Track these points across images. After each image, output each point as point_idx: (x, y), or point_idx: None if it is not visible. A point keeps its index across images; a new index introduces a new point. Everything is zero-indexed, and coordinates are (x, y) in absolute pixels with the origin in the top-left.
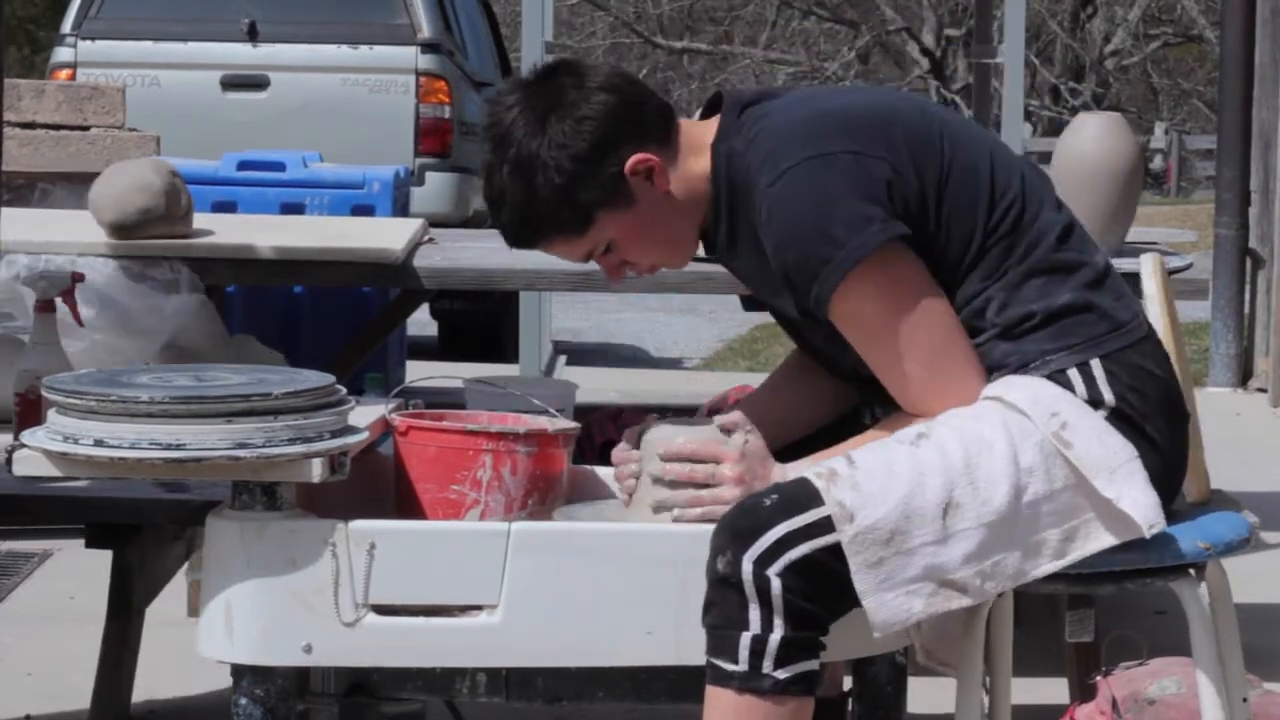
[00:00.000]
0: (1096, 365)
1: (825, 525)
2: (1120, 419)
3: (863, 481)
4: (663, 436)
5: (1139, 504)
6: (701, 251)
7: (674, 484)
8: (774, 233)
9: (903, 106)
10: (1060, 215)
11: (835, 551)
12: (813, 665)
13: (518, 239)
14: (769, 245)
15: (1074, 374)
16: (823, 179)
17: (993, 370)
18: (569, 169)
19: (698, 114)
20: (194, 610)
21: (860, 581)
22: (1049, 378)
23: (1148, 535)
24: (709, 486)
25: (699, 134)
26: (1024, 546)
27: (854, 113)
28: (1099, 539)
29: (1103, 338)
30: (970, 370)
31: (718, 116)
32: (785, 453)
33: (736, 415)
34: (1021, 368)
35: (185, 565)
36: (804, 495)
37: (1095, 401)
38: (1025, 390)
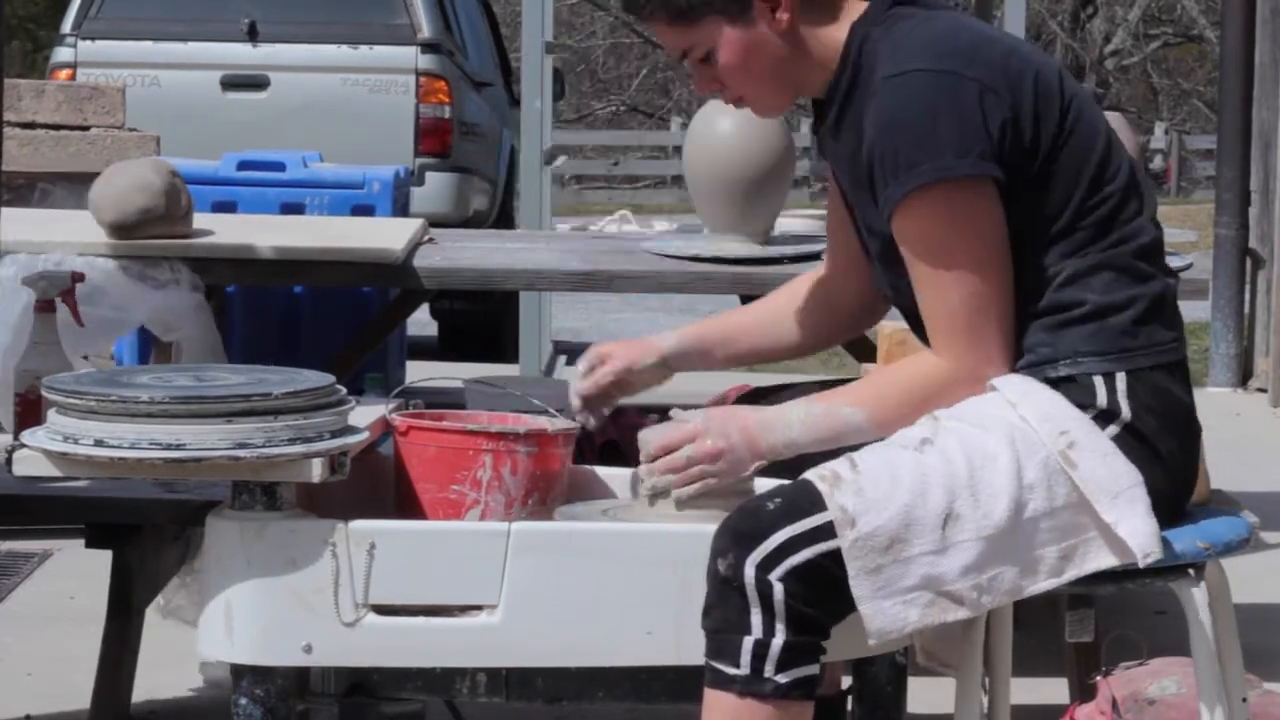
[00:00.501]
0: (1122, 378)
1: (828, 530)
2: (1133, 434)
3: (866, 487)
4: (642, 441)
5: (1137, 532)
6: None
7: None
8: (879, 120)
9: (1042, 60)
10: (1155, 230)
11: (837, 557)
12: (813, 669)
13: (629, 3)
14: (869, 129)
15: (1098, 380)
16: (943, 93)
17: (1020, 356)
18: None
19: (714, 115)
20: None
21: (858, 588)
22: (1073, 380)
23: (1142, 565)
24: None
25: (849, 6)
26: (1022, 562)
27: (994, 47)
28: (1097, 559)
29: (1136, 353)
30: (1007, 332)
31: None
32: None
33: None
34: (1049, 362)
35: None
36: (807, 499)
37: (1112, 412)
38: (1039, 405)
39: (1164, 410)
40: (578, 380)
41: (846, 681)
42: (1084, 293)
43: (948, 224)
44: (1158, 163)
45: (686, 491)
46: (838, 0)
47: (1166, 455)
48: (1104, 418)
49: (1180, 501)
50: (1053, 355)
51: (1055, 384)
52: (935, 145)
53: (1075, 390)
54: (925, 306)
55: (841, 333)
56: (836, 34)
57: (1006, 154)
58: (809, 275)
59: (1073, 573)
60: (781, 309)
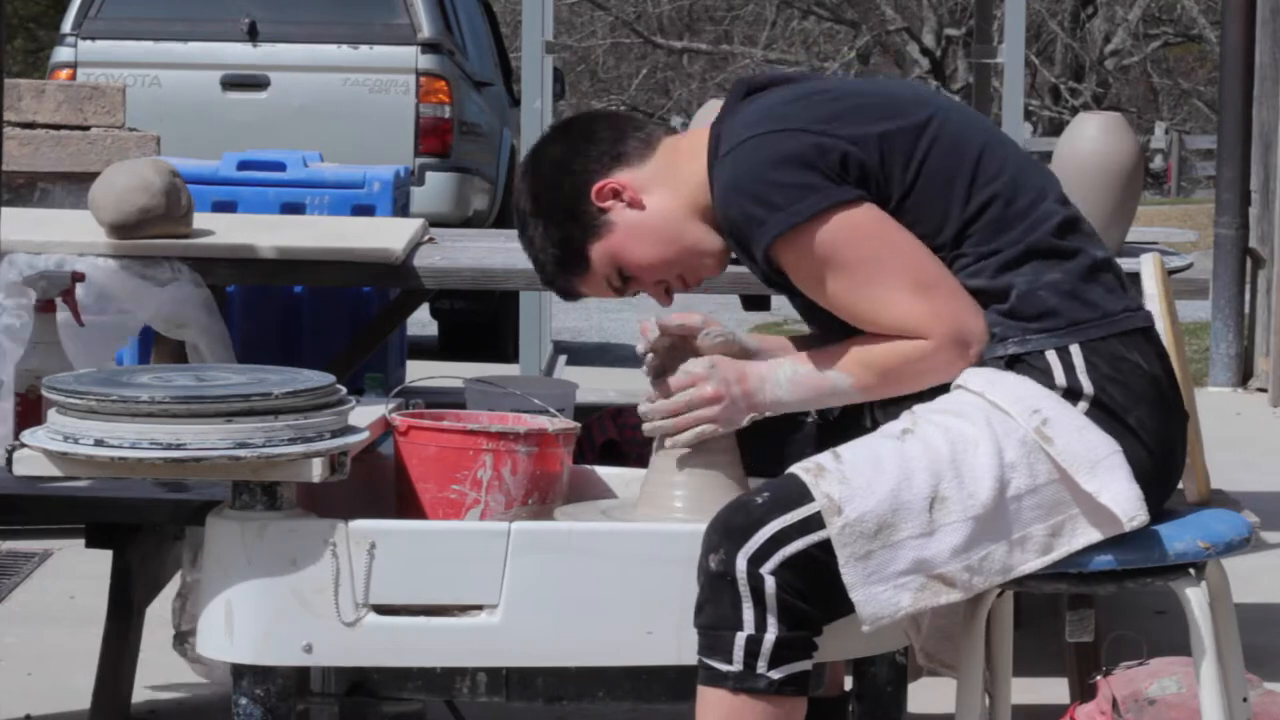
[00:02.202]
0: (1076, 352)
1: (817, 521)
2: (1101, 409)
3: (850, 474)
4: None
5: (1120, 496)
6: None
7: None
8: (719, 195)
9: (896, 92)
10: (1063, 209)
11: (828, 547)
12: (806, 666)
13: (558, 292)
14: (718, 206)
15: (1052, 357)
16: (776, 149)
17: None
18: (547, 218)
19: (713, 113)
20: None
21: (849, 575)
22: (1025, 359)
23: (1127, 527)
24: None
25: (694, 140)
26: (1010, 540)
27: (831, 95)
28: (1086, 534)
29: (1085, 324)
30: (953, 285)
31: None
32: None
33: (694, 318)
34: (1000, 341)
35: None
36: (794, 491)
37: (1074, 390)
38: (1007, 389)
39: (1125, 380)
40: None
41: (848, 683)
42: (1013, 279)
43: (830, 251)
44: (1158, 162)
45: (684, 437)
46: (688, 139)
47: (1137, 425)
48: (1069, 396)
49: (1167, 473)
50: (1001, 335)
51: (1010, 362)
52: (775, 196)
53: (1032, 373)
54: (871, 322)
55: None
56: (700, 159)
57: (855, 180)
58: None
59: (1063, 549)
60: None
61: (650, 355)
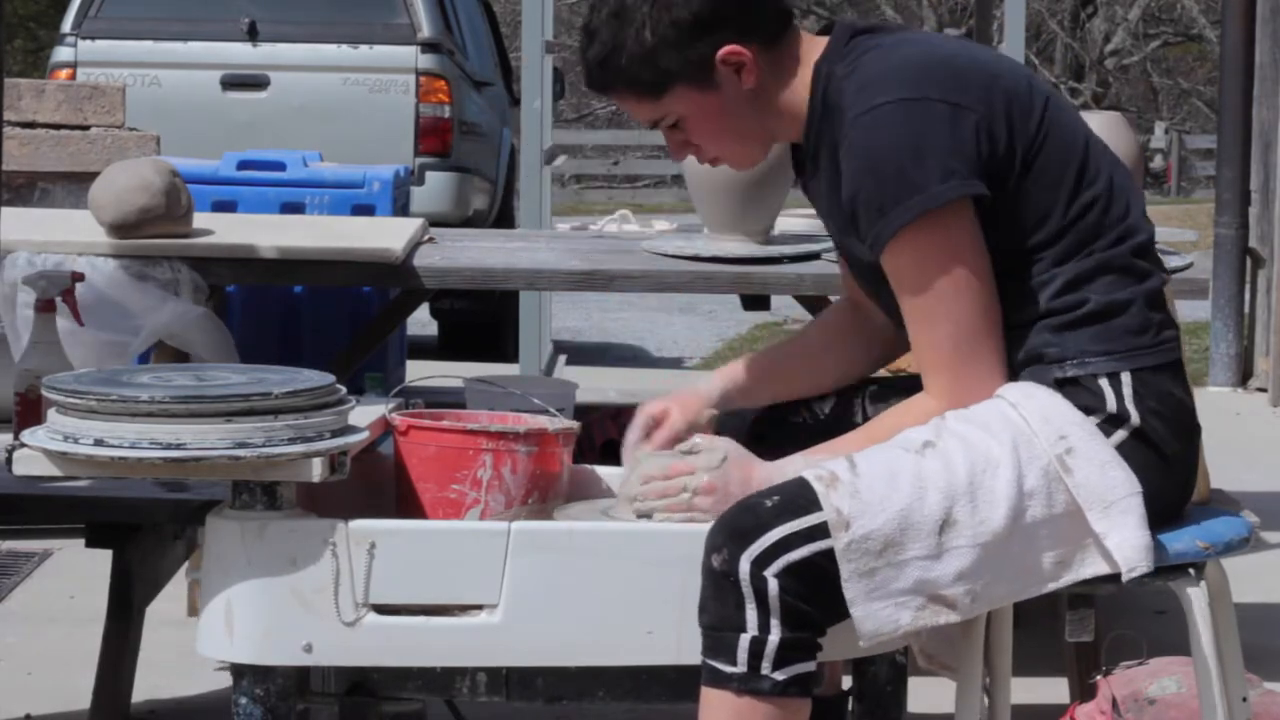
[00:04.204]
0: (1127, 380)
1: (824, 530)
2: (1141, 439)
3: (863, 489)
4: (645, 466)
5: (1126, 543)
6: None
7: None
8: (854, 163)
9: (1010, 67)
10: (1147, 226)
11: (833, 555)
12: (810, 666)
13: (593, 81)
14: (846, 172)
15: (1105, 383)
16: (913, 122)
17: (1027, 359)
18: (662, 33)
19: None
20: (194, 610)
21: (850, 590)
22: (1079, 381)
23: (1124, 580)
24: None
25: (809, 49)
26: (1017, 569)
27: (958, 63)
28: (1094, 565)
29: (1142, 351)
30: (996, 366)
31: (828, 37)
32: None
33: (698, 439)
34: (1057, 362)
35: (185, 565)
36: (804, 498)
37: (1121, 418)
38: (1040, 407)
39: (1170, 414)
40: (634, 443)
41: (847, 682)
42: (1086, 293)
43: (934, 256)
44: (1158, 162)
45: (673, 518)
46: (798, 47)
47: (1173, 458)
48: (1113, 422)
49: (1182, 503)
50: (1060, 355)
51: (1062, 385)
52: (914, 178)
53: (1082, 394)
54: (914, 339)
55: (876, 361)
56: (802, 81)
57: (984, 166)
58: (838, 305)
59: (1068, 579)
60: (814, 344)
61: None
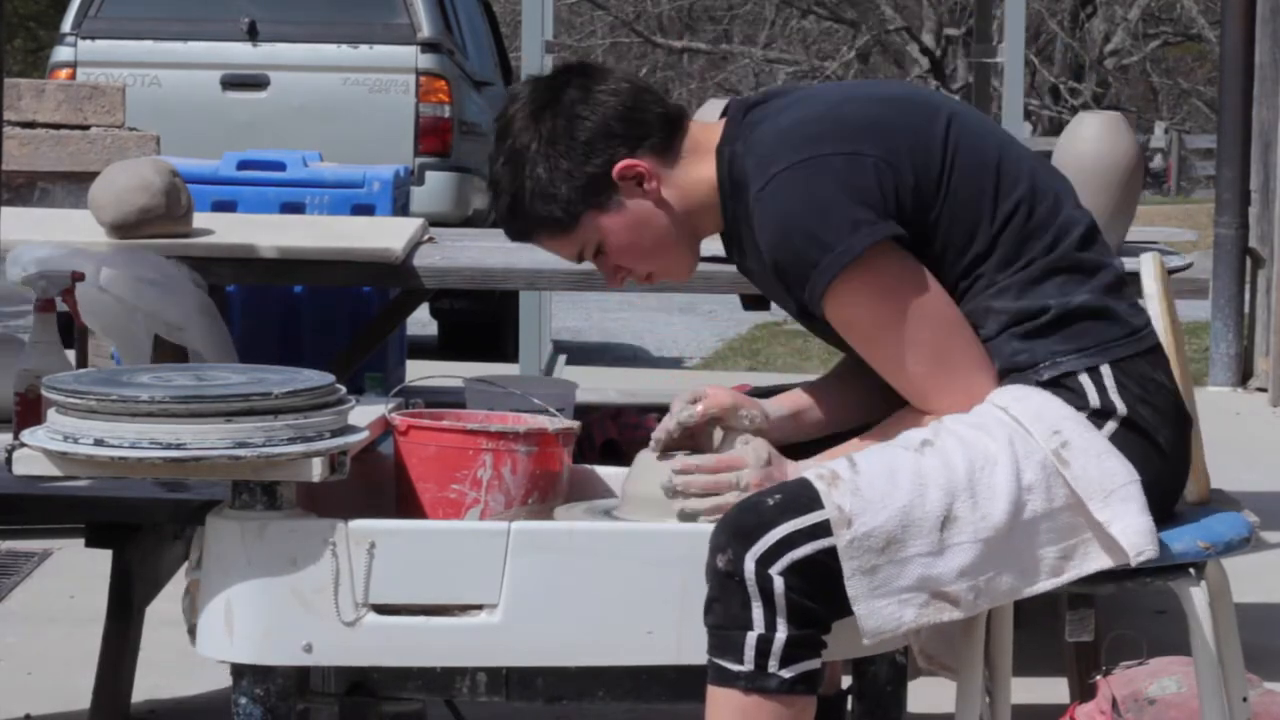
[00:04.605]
0: (1107, 372)
1: (826, 528)
2: (1132, 429)
3: (863, 487)
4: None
5: (1130, 529)
6: (722, 253)
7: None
8: (765, 237)
9: (907, 97)
10: (1082, 215)
11: (836, 554)
12: (816, 664)
13: (509, 231)
14: (763, 247)
15: (1085, 379)
16: (810, 183)
17: (1003, 370)
18: (554, 165)
19: (713, 112)
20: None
21: (853, 587)
22: (1059, 381)
23: (1133, 564)
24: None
25: (707, 138)
26: (1020, 564)
27: (848, 110)
28: (1096, 560)
29: (1114, 343)
30: (976, 364)
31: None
32: (801, 449)
33: (725, 398)
34: (1031, 367)
35: (185, 565)
36: (806, 496)
37: (1108, 410)
38: (1032, 405)
39: (1156, 400)
40: (680, 410)
41: (846, 681)
42: (1042, 299)
43: (875, 301)
44: (1158, 162)
45: (703, 506)
46: (701, 139)
47: (1166, 445)
48: (1100, 415)
49: (1177, 492)
50: (1031, 360)
51: (1044, 388)
52: (824, 238)
53: (1064, 393)
54: (890, 381)
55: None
56: (708, 170)
57: (892, 205)
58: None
59: (1071, 573)
60: (847, 373)
61: (675, 427)
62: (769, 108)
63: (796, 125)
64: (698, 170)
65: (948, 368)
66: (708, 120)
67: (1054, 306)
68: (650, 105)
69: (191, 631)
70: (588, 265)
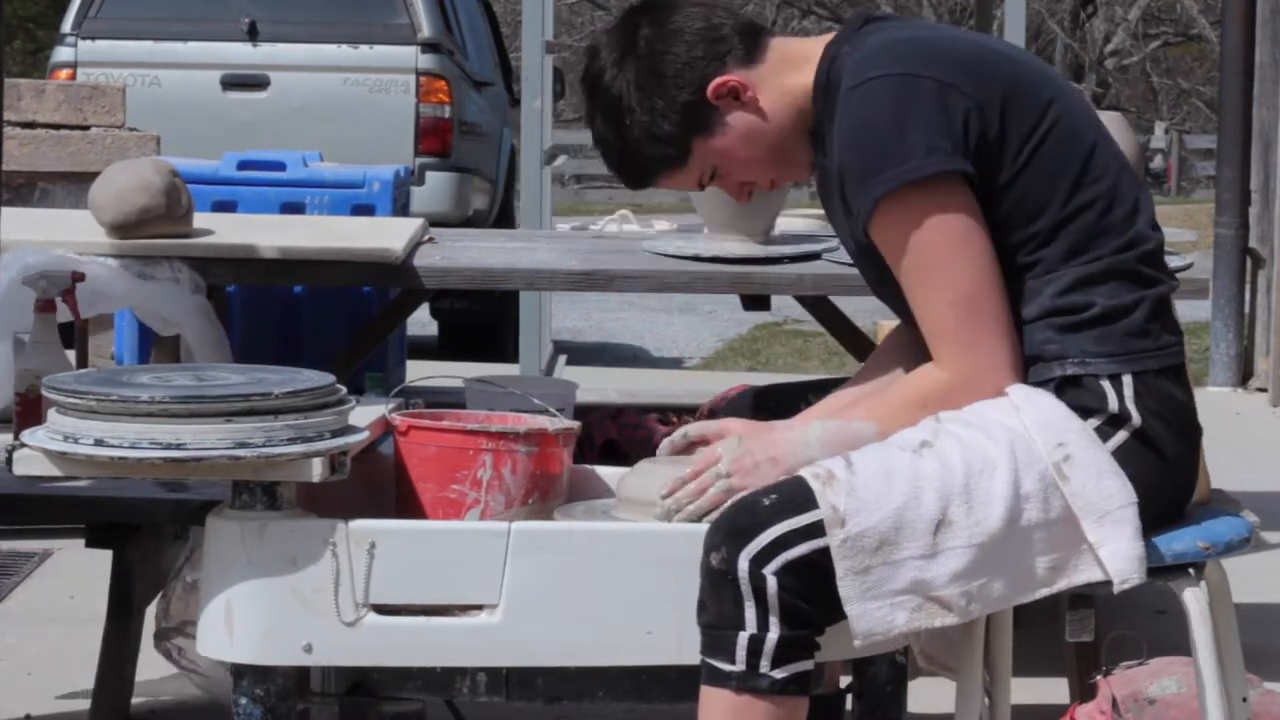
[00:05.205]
0: (1129, 381)
1: (820, 527)
2: (1141, 439)
3: (859, 487)
4: (652, 479)
5: (1118, 555)
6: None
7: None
8: (842, 132)
9: (1027, 61)
10: (1157, 235)
11: (830, 554)
12: (808, 665)
13: (628, 180)
14: (837, 145)
15: (1106, 384)
16: (901, 96)
17: (1029, 354)
18: (653, 106)
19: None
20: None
21: (845, 588)
22: (1080, 380)
23: (1116, 591)
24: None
25: (801, 48)
26: (1012, 572)
27: (960, 48)
28: (1089, 571)
29: (1144, 354)
30: (1003, 332)
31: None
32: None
33: (698, 427)
34: (1057, 359)
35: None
36: (801, 496)
37: (1123, 418)
38: (1041, 411)
39: (1171, 416)
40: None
41: (846, 680)
42: (1091, 296)
43: (923, 226)
44: (1158, 162)
45: (697, 508)
46: (793, 49)
47: (1173, 459)
48: (1114, 422)
49: (1181, 505)
50: (1060, 353)
51: (1063, 384)
52: (899, 149)
53: (1083, 394)
54: (916, 314)
55: None
56: (805, 74)
57: (973, 148)
58: (893, 333)
59: (1063, 584)
60: (876, 378)
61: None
62: (888, 24)
63: (906, 42)
64: (794, 77)
65: (975, 323)
66: None
67: (1099, 306)
68: (724, 19)
69: (159, 635)
70: (587, 265)
